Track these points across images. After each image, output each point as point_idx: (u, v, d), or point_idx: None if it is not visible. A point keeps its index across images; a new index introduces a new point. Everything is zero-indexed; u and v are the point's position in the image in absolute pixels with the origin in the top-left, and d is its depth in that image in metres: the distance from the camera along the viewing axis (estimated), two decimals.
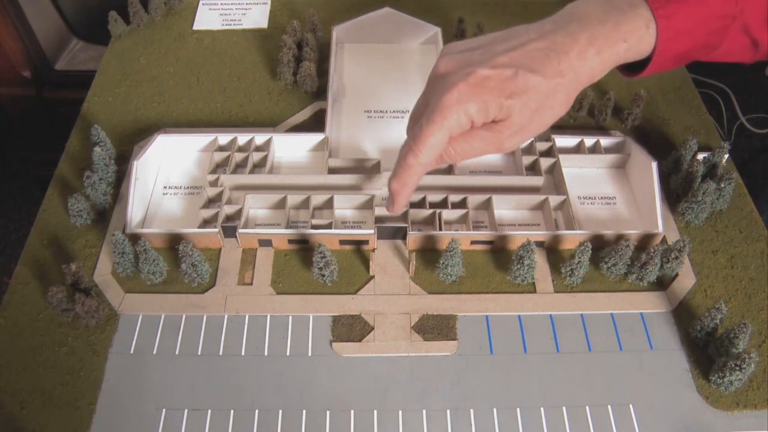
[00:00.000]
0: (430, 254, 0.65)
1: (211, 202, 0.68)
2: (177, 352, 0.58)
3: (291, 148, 0.74)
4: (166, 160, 0.73)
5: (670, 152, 0.74)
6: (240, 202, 0.67)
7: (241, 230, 0.64)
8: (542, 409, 0.55)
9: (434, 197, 0.68)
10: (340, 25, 0.86)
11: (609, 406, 0.56)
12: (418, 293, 0.63)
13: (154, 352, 0.58)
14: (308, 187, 0.70)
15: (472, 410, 0.55)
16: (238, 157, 0.71)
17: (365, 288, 0.63)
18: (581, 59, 0.47)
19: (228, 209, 0.66)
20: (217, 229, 0.64)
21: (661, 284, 0.64)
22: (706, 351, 0.59)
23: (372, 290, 0.63)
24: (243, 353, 0.58)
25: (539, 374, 0.57)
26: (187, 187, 0.71)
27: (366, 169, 0.71)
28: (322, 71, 0.83)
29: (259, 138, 0.73)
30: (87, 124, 0.76)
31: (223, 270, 0.64)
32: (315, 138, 0.73)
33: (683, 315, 0.62)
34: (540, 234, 0.65)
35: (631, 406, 0.56)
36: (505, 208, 0.69)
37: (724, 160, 0.71)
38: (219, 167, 0.72)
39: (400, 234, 0.66)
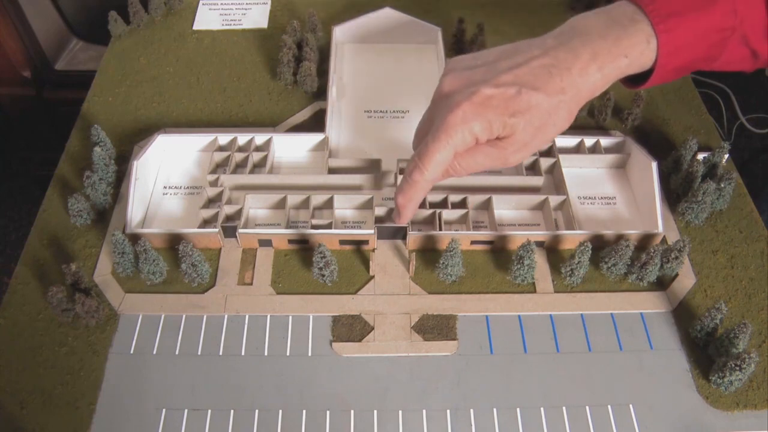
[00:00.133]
0: (430, 254, 0.65)
1: (211, 202, 0.68)
2: (177, 352, 0.58)
3: (291, 148, 0.74)
4: (166, 160, 0.73)
5: (670, 152, 0.74)
6: (240, 202, 0.67)
7: (241, 230, 0.64)
8: (542, 409, 0.55)
9: (434, 197, 0.68)
10: (340, 25, 0.86)
11: (609, 406, 0.56)
12: (418, 293, 0.63)
13: (154, 352, 0.58)
14: (308, 187, 0.70)
15: (472, 410, 0.55)
16: (238, 157, 0.71)
17: (365, 288, 0.63)
18: (583, 75, 0.47)
19: (228, 209, 0.66)
20: (217, 229, 0.64)
21: (661, 284, 0.64)
22: (706, 351, 0.59)
23: (372, 290, 0.63)
24: (243, 353, 0.58)
25: (539, 374, 0.57)
26: (187, 187, 0.71)
27: (366, 169, 0.71)
28: (322, 71, 0.83)
29: (259, 138, 0.73)
30: (87, 124, 0.76)
31: (223, 270, 0.64)
32: (315, 138, 0.73)
33: (683, 315, 0.62)
34: (540, 234, 0.65)
35: (631, 406, 0.56)
36: (505, 208, 0.69)
37: (724, 160, 0.71)
38: (219, 167, 0.72)
39: (400, 234, 0.66)
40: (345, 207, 0.68)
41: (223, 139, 0.73)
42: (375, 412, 0.55)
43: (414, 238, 0.65)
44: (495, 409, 0.55)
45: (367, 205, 0.68)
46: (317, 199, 0.67)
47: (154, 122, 0.78)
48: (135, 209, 0.65)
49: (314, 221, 0.65)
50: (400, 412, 0.55)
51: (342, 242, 0.65)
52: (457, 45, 0.88)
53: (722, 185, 0.68)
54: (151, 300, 0.62)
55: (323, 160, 0.71)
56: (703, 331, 0.59)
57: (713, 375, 0.56)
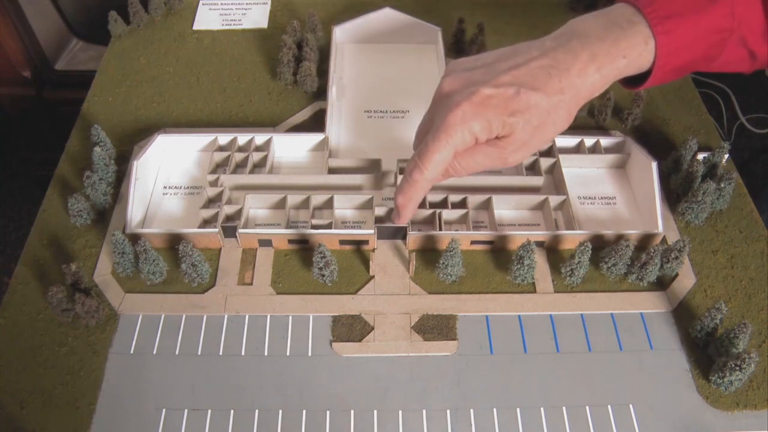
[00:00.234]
0: (430, 254, 0.65)
1: (211, 202, 0.68)
2: (177, 352, 0.58)
3: (291, 148, 0.74)
4: (166, 160, 0.73)
5: (670, 152, 0.74)
6: (240, 202, 0.67)
7: (241, 230, 0.64)
8: (542, 409, 0.55)
9: (434, 197, 0.68)
10: (340, 25, 0.86)
11: (609, 406, 0.56)
12: (418, 293, 0.63)
13: (154, 352, 0.58)
14: (308, 187, 0.70)
15: (472, 410, 0.55)
16: (238, 157, 0.71)
17: (365, 288, 0.63)
18: (582, 76, 0.48)
19: (228, 209, 0.66)
20: (217, 229, 0.64)
21: (661, 284, 0.64)
22: (706, 351, 0.59)
23: (372, 290, 0.63)
24: (243, 353, 0.58)
25: (539, 374, 0.57)
26: (187, 187, 0.71)
27: (366, 169, 0.71)
28: (322, 71, 0.83)
29: (259, 138, 0.73)
30: (87, 124, 0.76)
31: (223, 270, 0.64)
32: (315, 138, 0.73)
33: (683, 315, 0.62)
34: (540, 234, 0.65)
35: (631, 406, 0.56)
36: (505, 208, 0.69)
37: (724, 160, 0.71)
38: (219, 167, 0.72)
39: (400, 234, 0.66)
40: (345, 207, 0.69)
41: (223, 139, 0.73)
42: (375, 412, 0.55)
43: (414, 238, 0.65)
44: (495, 409, 0.55)
45: (367, 205, 0.68)
46: (317, 199, 0.67)
47: (154, 122, 0.78)
48: (135, 209, 0.65)
49: (314, 221, 0.65)
50: (400, 412, 0.55)
51: (342, 242, 0.65)
52: (457, 45, 0.88)
53: (722, 185, 0.68)
54: (151, 300, 0.62)
55: (323, 160, 0.71)
56: (703, 331, 0.59)
57: (713, 375, 0.56)
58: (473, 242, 0.65)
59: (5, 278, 1.47)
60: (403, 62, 0.86)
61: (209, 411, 0.55)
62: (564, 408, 0.56)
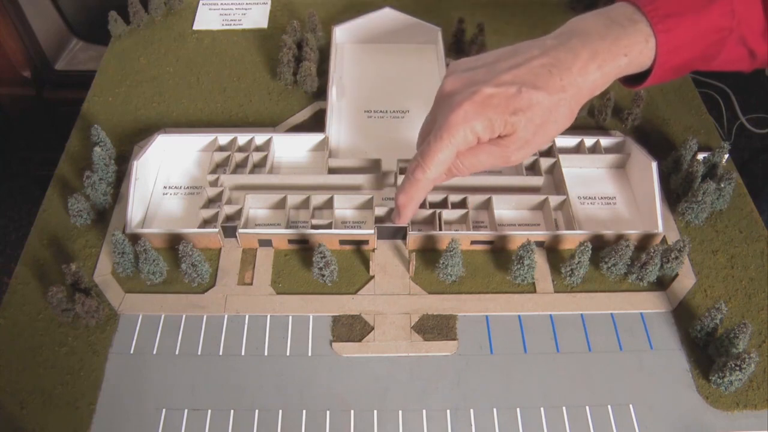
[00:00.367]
0: (430, 254, 0.65)
1: (211, 202, 0.68)
2: (177, 352, 0.58)
3: (291, 148, 0.74)
4: (166, 160, 0.73)
5: (670, 152, 0.74)
6: (240, 202, 0.67)
7: (241, 230, 0.64)
8: (542, 409, 0.55)
9: (434, 197, 0.68)
10: (340, 25, 0.86)
11: (609, 406, 0.56)
12: (418, 293, 0.63)
13: (154, 352, 0.58)
14: (308, 187, 0.70)
15: (472, 410, 0.55)
16: (238, 157, 0.71)
17: (365, 288, 0.63)
18: (583, 74, 0.48)
19: (228, 209, 0.66)
20: (217, 229, 0.64)
21: (661, 284, 0.64)
22: (706, 351, 0.59)
23: (372, 290, 0.63)
24: (243, 353, 0.58)
25: (539, 374, 0.57)
26: (187, 187, 0.71)
27: (366, 169, 0.71)
28: (322, 71, 0.83)
29: (259, 138, 0.73)
30: (87, 124, 0.76)
31: (223, 270, 0.64)
32: (315, 138, 0.73)
33: (683, 315, 0.62)
34: (540, 234, 0.65)
35: (631, 406, 0.56)
36: (505, 208, 0.69)
37: (724, 160, 0.71)
38: (219, 167, 0.72)
39: (400, 234, 0.66)
40: (345, 207, 0.69)
41: (223, 139, 0.73)
42: (375, 412, 0.55)
43: (414, 238, 0.65)
44: (495, 409, 0.55)
45: (367, 205, 0.68)
46: (317, 199, 0.67)
47: (154, 122, 0.78)
48: (135, 209, 0.65)
49: (314, 221, 0.65)
50: (400, 412, 0.55)
51: (342, 242, 0.65)
52: (457, 45, 0.88)
53: (722, 185, 0.68)
54: (151, 300, 0.62)
55: (323, 160, 0.71)
56: (703, 331, 0.59)
57: (713, 375, 0.56)
58: (473, 242, 0.65)
59: (5, 278, 1.47)
60: (403, 62, 0.86)
61: (209, 411, 0.55)
62: (564, 408, 0.56)
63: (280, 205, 0.68)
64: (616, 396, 0.56)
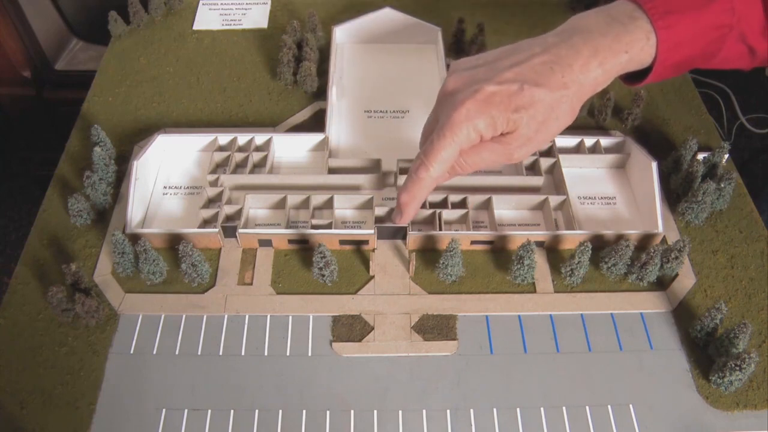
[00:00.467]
0: (430, 254, 0.65)
1: (211, 202, 0.68)
2: (177, 352, 0.58)
3: (291, 148, 0.74)
4: (166, 160, 0.73)
5: (670, 152, 0.74)
6: (240, 202, 0.67)
7: (241, 230, 0.64)
8: (542, 409, 0.55)
9: (434, 197, 0.68)
10: (340, 25, 0.86)
11: (609, 406, 0.56)
12: (418, 293, 0.63)
13: (154, 352, 0.58)
14: (308, 187, 0.70)
15: (472, 410, 0.55)
16: (238, 157, 0.71)
17: (365, 288, 0.63)
18: (584, 71, 0.48)
19: (228, 209, 0.66)
20: (217, 229, 0.64)
21: (661, 284, 0.64)
22: (706, 351, 0.59)
23: (372, 290, 0.63)
24: (243, 353, 0.58)
25: (539, 374, 0.57)
26: (187, 187, 0.71)
27: (366, 169, 0.71)
28: (322, 71, 0.83)
29: (259, 138, 0.73)
30: (87, 124, 0.76)
31: (223, 270, 0.64)
32: (315, 138, 0.73)
33: (683, 315, 0.62)
34: (540, 234, 0.65)
35: (631, 406, 0.56)
36: (505, 208, 0.69)
37: (724, 160, 0.71)
38: (219, 167, 0.72)
39: (400, 234, 0.66)
40: (345, 207, 0.68)
41: (223, 139, 0.73)
42: (375, 412, 0.55)
43: (414, 238, 0.65)
44: (495, 409, 0.55)
45: (367, 205, 0.68)
46: (317, 199, 0.67)
47: (154, 122, 0.78)
48: (135, 209, 0.65)
49: (314, 221, 0.65)
50: (400, 412, 0.55)
51: (342, 242, 0.65)
52: (457, 45, 0.88)
53: (722, 185, 0.68)
54: (151, 300, 0.62)
55: (323, 160, 0.71)
56: (703, 331, 0.59)
57: (713, 375, 0.56)
58: (473, 242, 0.65)
59: (5, 278, 1.47)
60: (403, 62, 0.86)
61: (209, 411, 0.55)
62: (564, 408, 0.56)
63: (280, 205, 0.68)
64: (616, 396, 0.56)
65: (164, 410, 0.55)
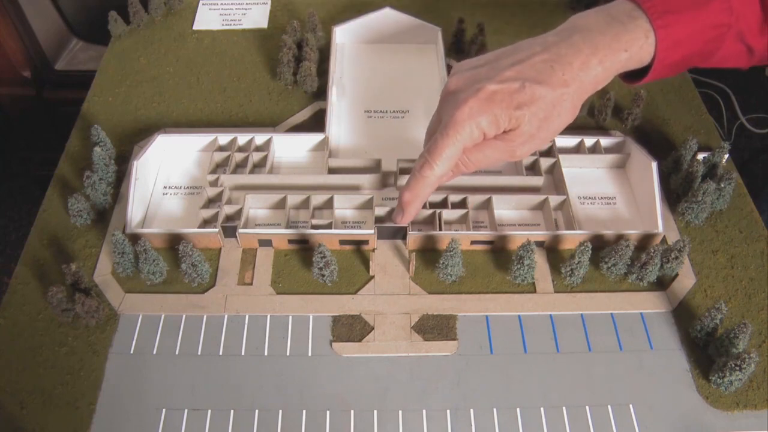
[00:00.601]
0: (430, 254, 0.65)
1: (211, 202, 0.68)
2: (177, 352, 0.58)
3: (291, 148, 0.74)
4: (166, 160, 0.73)
5: (670, 152, 0.74)
6: (240, 202, 0.67)
7: (241, 230, 0.64)
8: (542, 409, 0.55)
9: (434, 197, 0.68)
10: (340, 25, 0.86)
11: (609, 406, 0.56)
12: (418, 293, 0.63)
13: (154, 352, 0.58)
14: (308, 187, 0.70)
15: (472, 410, 0.55)
16: (238, 157, 0.71)
17: (365, 288, 0.63)
18: (584, 69, 0.49)
19: (228, 209, 0.66)
20: (217, 229, 0.64)
21: (661, 284, 0.64)
22: (706, 351, 0.59)
23: (372, 290, 0.63)
24: (243, 353, 0.58)
25: (539, 374, 0.57)
26: (187, 187, 0.71)
27: (366, 169, 0.71)
28: (322, 71, 0.83)
29: (259, 138, 0.73)
30: (87, 124, 0.76)
31: (223, 270, 0.64)
32: (315, 138, 0.73)
33: (683, 315, 0.62)
34: (540, 234, 0.65)
35: (631, 406, 0.56)
36: (505, 208, 0.69)
37: (724, 160, 0.71)
38: (219, 167, 0.72)
39: (400, 234, 0.66)
40: (345, 207, 0.68)
41: (223, 139, 0.73)
42: (375, 412, 0.55)
43: (414, 238, 0.65)
44: (495, 409, 0.55)
45: (367, 205, 0.68)
46: (317, 199, 0.67)
47: (154, 122, 0.78)
48: (135, 209, 0.65)
49: (314, 221, 0.65)
50: (400, 412, 0.55)
51: (342, 242, 0.65)
52: (457, 45, 0.88)
53: (722, 185, 0.68)
54: (151, 300, 0.62)
55: (323, 160, 0.71)
56: (703, 331, 0.59)
57: (713, 375, 0.56)
58: (473, 242, 0.65)
59: (5, 278, 1.47)
60: (403, 62, 0.86)
61: (209, 411, 0.55)
62: (564, 408, 0.56)
63: (280, 205, 0.68)
64: (616, 396, 0.56)
65: (164, 410, 0.55)
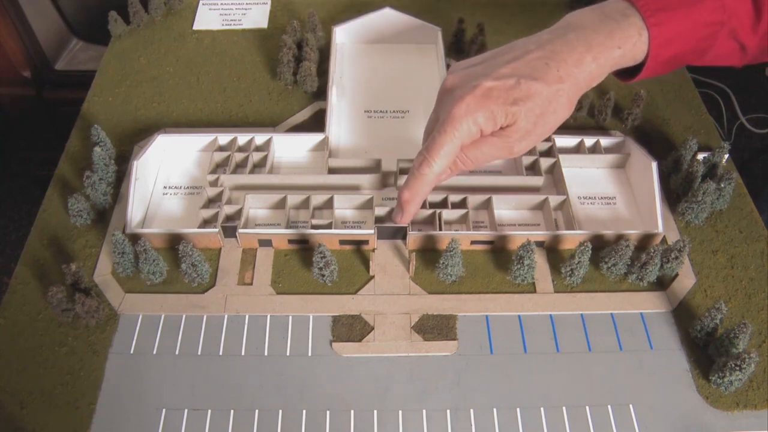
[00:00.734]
0: (430, 254, 0.65)
1: (211, 202, 0.68)
2: (177, 352, 0.58)
3: (291, 148, 0.74)
4: (166, 160, 0.73)
5: (670, 152, 0.74)
6: (240, 202, 0.67)
7: (241, 230, 0.64)
8: (542, 409, 0.55)
9: (434, 197, 0.68)
10: (340, 25, 0.86)
11: (609, 406, 0.56)
12: (418, 293, 0.63)
13: (154, 352, 0.58)
14: (308, 187, 0.70)
15: (472, 410, 0.55)
16: (238, 157, 0.71)
17: (365, 288, 0.63)
18: (579, 65, 0.49)
19: (228, 209, 0.66)
20: (217, 229, 0.64)
21: (661, 284, 0.64)
22: (706, 351, 0.59)
23: (372, 290, 0.63)
24: (243, 353, 0.58)
25: (539, 374, 0.57)
26: (187, 187, 0.71)
27: (366, 169, 0.71)
28: (322, 71, 0.83)
29: (259, 138, 0.73)
30: (87, 124, 0.76)
31: (223, 270, 0.64)
32: (315, 138, 0.73)
33: (683, 315, 0.62)
34: (540, 234, 0.65)
35: (631, 406, 0.56)
36: (505, 208, 0.69)
37: (724, 160, 0.71)
38: (219, 167, 0.72)
39: (400, 234, 0.66)
40: (345, 207, 0.68)
41: (223, 139, 0.73)
42: (375, 412, 0.55)
43: (414, 238, 0.65)
44: (495, 409, 0.55)
45: (367, 205, 0.68)
46: (317, 199, 0.67)
47: (154, 122, 0.78)
48: (135, 209, 0.65)
49: (314, 221, 0.65)
50: (400, 412, 0.55)
51: (342, 242, 0.65)
52: (457, 45, 0.88)
53: (722, 185, 0.68)
54: (151, 300, 0.62)
55: (323, 160, 0.71)
56: (703, 331, 0.59)
57: (713, 375, 0.56)
58: (473, 242, 0.65)
59: (5, 278, 1.47)
60: (403, 62, 0.86)
61: (209, 411, 0.55)
62: (564, 408, 0.56)
63: (280, 205, 0.68)
64: (616, 396, 0.56)
65: (164, 410, 0.55)
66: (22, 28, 1.20)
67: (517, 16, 0.95)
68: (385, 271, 0.64)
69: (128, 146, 0.75)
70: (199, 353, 0.58)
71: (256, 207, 0.69)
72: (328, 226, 0.64)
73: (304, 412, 0.55)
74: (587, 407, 0.56)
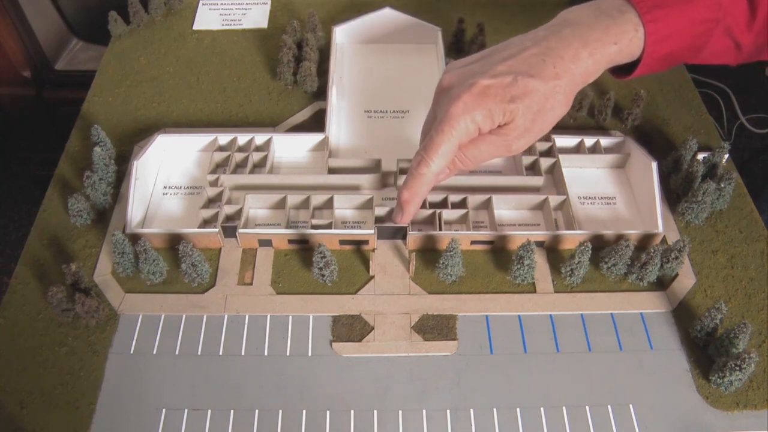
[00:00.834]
0: (430, 254, 0.65)
1: (211, 202, 0.68)
2: (177, 352, 0.58)
3: (291, 148, 0.74)
4: (166, 160, 0.73)
5: (670, 152, 0.74)
6: (240, 202, 0.67)
7: (241, 230, 0.64)
8: (542, 409, 0.55)
9: (434, 197, 0.68)
10: (340, 25, 0.86)
11: (609, 406, 0.56)
12: (418, 293, 0.63)
13: (154, 352, 0.58)
14: (308, 187, 0.70)
15: (472, 410, 0.55)
16: (238, 157, 0.71)
17: (365, 288, 0.63)
18: (575, 61, 0.49)
19: (228, 209, 0.66)
20: (217, 229, 0.64)
21: (661, 284, 0.64)
22: (706, 351, 0.59)
23: (372, 290, 0.63)
24: (243, 353, 0.58)
25: (539, 374, 0.57)
26: (187, 187, 0.71)
27: (366, 169, 0.71)
28: (322, 71, 0.83)
29: (259, 138, 0.73)
30: (87, 124, 0.76)
31: (223, 270, 0.64)
32: (315, 138, 0.73)
33: (683, 315, 0.62)
34: (540, 234, 0.65)
35: (631, 406, 0.56)
36: (505, 208, 0.69)
37: (724, 160, 0.71)
38: (219, 167, 0.72)
39: (400, 234, 0.66)
40: (345, 207, 0.68)
41: (223, 139, 0.73)
42: (375, 412, 0.55)
43: (414, 238, 0.65)
44: (495, 409, 0.55)
45: (367, 205, 0.68)
46: (317, 199, 0.67)
47: (154, 122, 0.78)
48: (135, 209, 0.65)
49: (314, 221, 0.65)
50: (400, 412, 0.55)
51: (342, 242, 0.65)
52: (457, 45, 0.88)
53: (722, 185, 0.68)
54: (151, 300, 0.62)
55: (323, 160, 0.71)
56: (703, 331, 0.59)
57: (713, 375, 0.56)
58: (473, 242, 0.65)
59: (5, 278, 1.47)
60: (403, 62, 0.86)
61: (209, 411, 0.55)
62: (564, 408, 0.56)
63: (280, 205, 0.68)
64: (616, 396, 0.56)
65: (164, 410, 0.55)
66: (22, 28, 1.20)
67: (517, 16, 0.95)
68: (385, 271, 0.64)
69: (128, 146, 0.75)
70: (199, 353, 0.58)
71: (256, 207, 0.69)
72: (328, 226, 0.64)
73: (304, 412, 0.55)
74: (587, 407, 0.56)
